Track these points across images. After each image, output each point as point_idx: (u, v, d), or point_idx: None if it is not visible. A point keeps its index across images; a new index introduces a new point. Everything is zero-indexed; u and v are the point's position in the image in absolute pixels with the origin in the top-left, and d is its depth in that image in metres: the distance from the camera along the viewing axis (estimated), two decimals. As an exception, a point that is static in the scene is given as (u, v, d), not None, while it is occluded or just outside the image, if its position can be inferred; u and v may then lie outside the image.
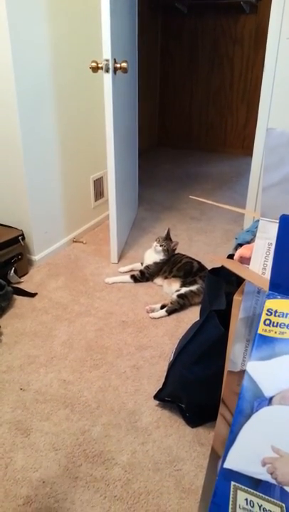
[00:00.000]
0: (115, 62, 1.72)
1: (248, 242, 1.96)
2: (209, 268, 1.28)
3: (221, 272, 1.21)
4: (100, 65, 1.69)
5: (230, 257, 1.04)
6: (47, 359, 1.48)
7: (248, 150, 4.24)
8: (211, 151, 4.47)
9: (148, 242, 2.37)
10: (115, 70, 1.73)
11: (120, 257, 2.19)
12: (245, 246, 0.96)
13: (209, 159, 4.21)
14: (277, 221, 0.69)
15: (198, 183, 3.45)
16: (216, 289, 1.19)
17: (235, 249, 1.99)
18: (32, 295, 1.84)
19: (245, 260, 0.89)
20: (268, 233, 0.78)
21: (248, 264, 0.83)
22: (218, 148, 4.46)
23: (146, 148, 4.37)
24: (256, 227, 0.80)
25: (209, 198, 3.12)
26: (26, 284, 1.93)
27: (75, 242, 2.35)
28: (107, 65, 1.66)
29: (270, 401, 0.64)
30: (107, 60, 1.65)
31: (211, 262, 2.15)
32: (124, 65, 1.72)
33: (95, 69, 1.69)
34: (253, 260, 0.82)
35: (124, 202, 2.26)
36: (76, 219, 2.37)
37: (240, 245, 1.93)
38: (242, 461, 0.66)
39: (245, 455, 0.66)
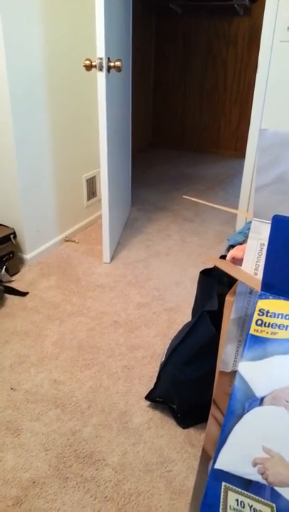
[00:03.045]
0: (109, 60, 1.72)
1: (240, 244, 1.96)
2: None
3: (213, 273, 1.21)
4: (93, 64, 1.68)
5: (223, 258, 1.04)
6: (38, 359, 1.47)
7: (240, 152, 4.26)
8: (204, 152, 4.49)
9: (141, 242, 2.37)
10: (109, 68, 1.72)
11: (113, 257, 2.18)
12: (237, 247, 0.96)
13: (202, 160, 4.22)
14: (270, 222, 0.69)
15: (192, 184, 3.45)
16: (208, 290, 1.19)
17: (228, 250, 1.99)
18: (23, 294, 1.83)
19: (237, 261, 0.89)
20: (261, 234, 0.78)
21: (240, 265, 0.83)
22: (211, 150, 4.47)
23: (139, 148, 4.37)
24: (248, 229, 0.81)
25: (202, 198, 3.12)
26: (17, 282, 1.92)
27: (68, 241, 2.34)
28: (100, 64, 1.65)
29: (261, 401, 0.64)
30: (101, 59, 1.65)
31: (203, 263, 2.16)
32: (118, 63, 1.72)
33: (89, 67, 1.68)
34: (245, 261, 0.82)
35: (117, 202, 2.26)
36: (68, 218, 2.36)
37: (232, 246, 1.93)
38: (233, 461, 0.66)
39: (236, 455, 0.66)
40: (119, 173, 2.29)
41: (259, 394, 0.64)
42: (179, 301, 1.83)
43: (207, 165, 4.06)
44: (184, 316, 1.73)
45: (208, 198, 3.14)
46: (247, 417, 0.65)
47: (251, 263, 0.81)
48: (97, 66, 1.66)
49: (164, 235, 2.49)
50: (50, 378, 1.38)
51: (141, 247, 2.32)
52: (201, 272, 1.22)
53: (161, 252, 2.27)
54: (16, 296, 1.82)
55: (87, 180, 2.46)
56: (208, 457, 0.89)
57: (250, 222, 0.78)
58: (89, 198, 2.52)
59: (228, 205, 2.97)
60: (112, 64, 1.72)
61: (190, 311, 1.75)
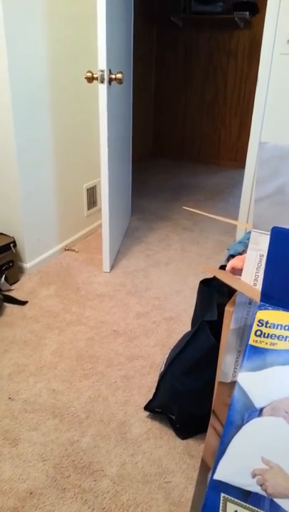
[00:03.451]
0: (110, 73, 1.74)
1: (240, 253, 1.97)
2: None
3: (212, 283, 1.22)
4: (95, 76, 1.71)
5: (223, 268, 1.05)
6: (36, 368, 1.46)
7: (240, 162, 4.29)
8: (204, 163, 4.52)
9: (140, 251, 2.38)
10: (110, 80, 1.75)
11: (112, 266, 2.19)
12: (237, 257, 0.97)
13: (202, 170, 4.25)
14: (269, 233, 0.70)
15: (191, 194, 3.47)
16: (207, 300, 1.20)
17: (228, 260, 2.00)
18: (22, 303, 1.83)
19: (237, 271, 0.90)
20: (260, 245, 0.79)
21: (240, 275, 0.84)
22: (211, 160, 4.51)
23: (139, 158, 4.40)
24: (248, 239, 0.82)
25: (202, 208, 3.14)
26: (17, 291, 1.92)
27: (67, 250, 2.35)
28: (102, 76, 1.68)
29: (260, 412, 0.64)
30: (102, 71, 1.67)
31: (203, 272, 2.16)
32: (119, 76, 1.74)
33: (90, 79, 1.71)
34: (244, 271, 0.83)
35: (117, 211, 2.27)
36: (69, 227, 2.37)
37: (232, 256, 1.94)
38: (232, 472, 0.66)
39: (235, 466, 0.66)
40: (120, 183, 2.31)
41: (258, 405, 0.64)
42: (179, 311, 1.83)
43: (207, 175, 4.09)
44: (184, 325, 1.73)
45: (208, 208, 3.15)
46: (246, 427, 0.65)
47: (251, 274, 0.81)
48: (99, 78, 1.68)
49: (164, 244, 2.50)
50: (48, 388, 1.38)
51: (141, 256, 2.33)
52: (200, 282, 1.23)
53: (161, 261, 2.28)
54: (16, 305, 1.82)
55: (87, 190, 2.48)
56: (207, 468, 0.89)
57: (251, 232, 0.79)
58: (89, 208, 2.54)
59: (227, 216, 2.99)
60: (113, 76, 1.75)
61: (190, 320, 1.75)
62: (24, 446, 1.18)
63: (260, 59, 2.10)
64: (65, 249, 2.34)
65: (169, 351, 1.32)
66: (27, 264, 2.07)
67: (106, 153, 1.85)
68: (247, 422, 0.65)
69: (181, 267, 2.23)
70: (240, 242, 2.20)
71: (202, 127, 4.44)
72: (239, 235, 2.50)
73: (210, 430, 0.88)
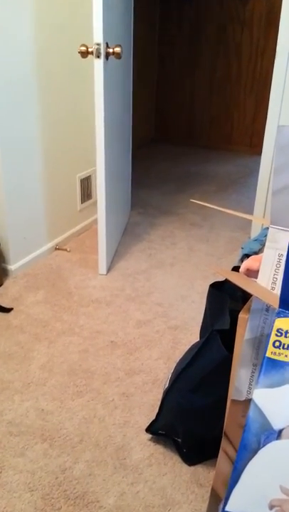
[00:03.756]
0: (107, 46, 1.75)
1: (256, 253, 1.98)
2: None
3: (224, 287, 1.22)
4: (90, 50, 1.71)
5: (236, 269, 1.05)
6: (23, 385, 1.47)
7: (256, 148, 4.30)
8: (214, 149, 4.52)
9: (141, 250, 2.38)
10: (107, 55, 1.75)
11: (110, 268, 2.19)
12: (252, 257, 0.97)
13: (212, 157, 4.25)
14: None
15: (200, 185, 3.48)
16: (218, 306, 1.20)
17: (242, 260, 2.01)
18: (7, 310, 1.84)
19: (252, 273, 0.90)
20: (278, 243, 0.79)
21: (256, 278, 0.84)
22: (223, 146, 4.51)
23: (141, 143, 4.41)
24: (265, 236, 0.82)
25: (212, 201, 3.15)
26: (0, 297, 1.93)
27: (58, 249, 2.35)
28: (98, 50, 1.68)
29: (279, 434, 0.65)
30: (98, 44, 1.68)
31: (214, 274, 2.17)
32: (117, 49, 1.74)
33: (85, 54, 1.71)
34: (261, 273, 0.83)
35: (115, 204, 2.27)
36: (60, 223, 2.37)
37: (246, 256, 1.94)
38: (246, 503, 0.66)
39: (250, 496, 0.66)
40: (118, 172, 2.31)
41: (277, 426, 0.64)
42: (186, 319, 1.83)
43: (218, 163, 4.09)
44: (191, 335, 1.73)
45: (219, 200, 3.16)
46: (263, 452, 0.66)
47: (268, 276, 0.81)
48: (94, 53, 1.69)
49: (169, 242, 2.50)
50: (36, 407, 1.38)
51: (142, 256, 2.33)
52: (210, 285, 1.23)
53: (165, 262, 2.28)
54: (-1, 312, 1.83)
55: (81, 181, 2.48)
56: (218, 498, 0.89)
57: (267, 228, 0.79)
58: (83, 201, 2.54)
59: (241, 210, 2.99)
60: (110, 50, 1.75)
61: (198, 329, 1.76)
62: (9, 474, 1.18)
63: (278, 30, 2.10)
64: (56, 249, 2.35)
65: (175, 365, 1.32)
66: (12, 266, 2.08)
67: (102, 139, 1.86)
68: (264, 445, 0.65)
69: (188, 268, 2.23)
70: (256, 240, 2.21)
71: (212, 108, 4.44)
72: (255, 232, 2.51)
73: (221, 455, 0.88)
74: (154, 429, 1.28)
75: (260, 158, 2.36)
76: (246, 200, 3.16)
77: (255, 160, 4.11)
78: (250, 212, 2.60)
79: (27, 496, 1.13)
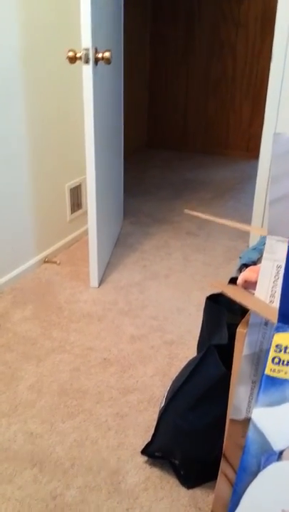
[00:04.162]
0: (96, 51, 1.77)
1: (255, 262, 1.99)
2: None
3: (221, 299, 1.22)
4: (78, 55, 1.73)
5: (234, 280, 1.06)
6: (10, 407, 1.46)
7: (253, 152, 4.33)
8: (210, 154, 4.56)
9: (135, 261, 2.39)
10: (96, 60, 1.77)
11: (102, 281, 2.19)
12: (250, 268, 0.98)
13: (208, 163, 4.28)
14: (287, 240, 0.71)
15: (195, 191, 3.50)
16: (216, 320, 1.21)
17: (240, 270, 2.01)
18: (-7, 327, 1.83)
19: (250, 285, 0.91)
20: (276, 254, 0.80)
21: (255, 289, 0.85)
22: (219, 150, 4.55)
23: (133, 149, 4.43)
24: (264, 244, 0.83)
25: (208, 209, 3.17)
26: (-14, 313, 1.92)
27: (47, 262, 2.35)
28: (86, 55, 1.70)
29: (279, 456, 0.65)
30: (87, 49, 1.69)
31: (211, 285, 2.17)
32: (106, 54, 1.76)
33: (73, 59, 1.73)
34: (259, 285, 0.83)
35: (107, 214, 2.28)
36: (49, 235, 2.38)
37: (245, 266, 1.95)
38: (247, 529, 0.66)
39: (251, 522, 0.66)
40: (109, 180, 2.32)
41: (277, 447, 0.65)
42: (182, 333, 1.83)
43: (214, 168, 4.12)
44: (188, 350, 1.73)
45: (215, 208, 3.18)
46: (263, 474, 0.66)
47: (266, 289, 0.82)
48: (83, 58, 1.70)
49: (163, 252, 2.51)
50: (25, 431, 1.38)
51: (135, 267, 2.34)
52: (207, 298, 1.23)
53: (159, 273, 2.28)
54: (-15, 329, 1.82)
55: (70, 190, 2.49)
56: (218, 525, 0.89)
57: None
58: (73, 211, 2.55)
59: (239, 217, 3.01)
60: (99, 55, 1.77)
61: (195, 343, 1.76)
62: (-4, 501, 1.17)
63: (274, 30, 2.13)
64: (45, 262, 2.35)
65: (171, 382, 1.32)
66: (-2, 280, 2.08)
67: (92, 146, 1.87)
68: (264, 467, 0.66)
69: (184, 279, 2.23)
70: (254, 249, 2.22)
71: (207, 112, 4.48)
72: (253, 240, 2.52)
73: (221, 478, 0.88)
74: (149, 452, 1.28)
75: (257, 162, 2.39)
76: (244, 207, 3.18)
77: (252, 165, 4.14)
78: (248, 220, 2.62)
79: (16, 525, 1.12)
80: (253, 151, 4.37)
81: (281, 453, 0.65)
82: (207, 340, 1.23)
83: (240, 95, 4.32)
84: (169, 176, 3.88)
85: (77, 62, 1.75)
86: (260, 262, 1.05)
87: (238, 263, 2.29)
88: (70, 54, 1.73)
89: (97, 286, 2.14)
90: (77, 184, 2.54)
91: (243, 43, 4.14)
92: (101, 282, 2.18)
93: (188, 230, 2.81)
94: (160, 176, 3.85)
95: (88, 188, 1.95)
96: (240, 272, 1.40)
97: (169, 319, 1.92)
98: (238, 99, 4.33)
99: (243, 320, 0.90)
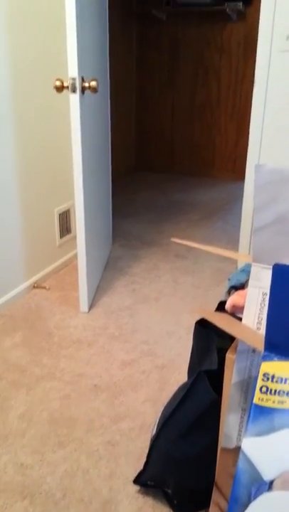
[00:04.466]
0: (83, 80, 1.80)
1: (243, 284, 2.00)
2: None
3: (211, 323, 1.23)
4: (65, 85, 1.76)
5: (222, 304, 1.06)
6: (0, 437, 1.44)
7: (240, 173, 4.39)
8: (197, 175, 4.61)
9: (125, 285, 2.39)
10: (83, 89, 1.80)
11: (91, 305, 2.19)
12: (238, 292, 0.99)
13: (195, 184, 4.33)
14: (271, 267, 0.72)
15: (184, 213, 3.53)
16: (205, 344, 1.21)
17: (229, 292, 2.02)
18: (-18, 355, 1.82)
19: (238, 309, 0.91)
20: (262, 281, 0.81)
21: (243, 314, 0.85)
22: (206, 172, 4.61)
23: (121, 172, 4.47)
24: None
25: (197, 230, 3.19)
26: (-25, 341, 1.91)
27: (37, 287, 2.34)
28: (73, 85, 1.73)
29: (270, 486, 0.65)
30: (74, 79, 1.72)
31: (196, 313, 2.18)
32: (93, 83, 1.79)
33: (60, 88, 1.76)
34: (246, 312, 0.84)
35: (96, 238, 2.29)
36: (38, 260, 2.37)
37: (234, 288, 1.96)
38: None
39: None
40: (98, 204, 2.34)
41: (267, 477, 0.65)
42: (173, 356, 1.83)
43: (201, 190, 4.16)
44: (179, 374, 1.73)
45: (203, 230, 3.20)
46: (254, 505, 0.65)
47: (253, 315, 0.83)
48: (70, 87, 1.73)
49: (153, 275, 2.51)
50: (15, 461, 1.35)
51: (125, 291, 2.34)
52: (196, 323, 1.24)
53: (149, 296, 2.29)
54: (-26, 358, 1.80)
55: (59, 215, 2.50)
56: None
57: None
58: (62, 236, 2.55)
59: (226, 238, 3.03)
60: (86, 84, 1.80)
61: (186, 367, 1.75)
62: (-14, 537, 1.14)
63: (256, 57, 2.19)
64: (34, 287, 2.34)
65: (163, 408, 1.31)
66: (-13, 307, 2.06)
67: (80, 171, 1.89)
68: (255, 498, 0.65)
69: (174, 302, 2.24)
70: (242, 271, 2.23)
71: (194, 134, 4.55)
72: (241, 262, 2.54)
73: (213, 508, 0.87)
74: (142, 481, 1.26)
75: (243, 183, 2.42)
76: (231, 228, 3.20)
77: (239, 186, 4.19)
78: (236, 240, 2.64)
79: None
80: (239, 172, 4.43)
81: (271, 483, 0.65)
82: (197, 365, 1.23)
83: (225, 118, 4.39)
84: (157, 197, 3.91)
85: (65, 91, 1.77)
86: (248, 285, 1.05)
87: (226, 285, 2.30)
88: (58, 83, 1.75)
89: (87, 311, 2.13)
90: (66, 209, 2.55)
91: (226, 68, 4.23)
92: (91, 307, 2.18)
93: (177, 252, 2.82)
94: (148, 198, 3.88)
95: (77, 214, 1.96)
96: (229, 294, 1.41)
97: (160, 343, 1.92)
98: (223, 121, 4.41)
99: (232, 345, 0.90)
